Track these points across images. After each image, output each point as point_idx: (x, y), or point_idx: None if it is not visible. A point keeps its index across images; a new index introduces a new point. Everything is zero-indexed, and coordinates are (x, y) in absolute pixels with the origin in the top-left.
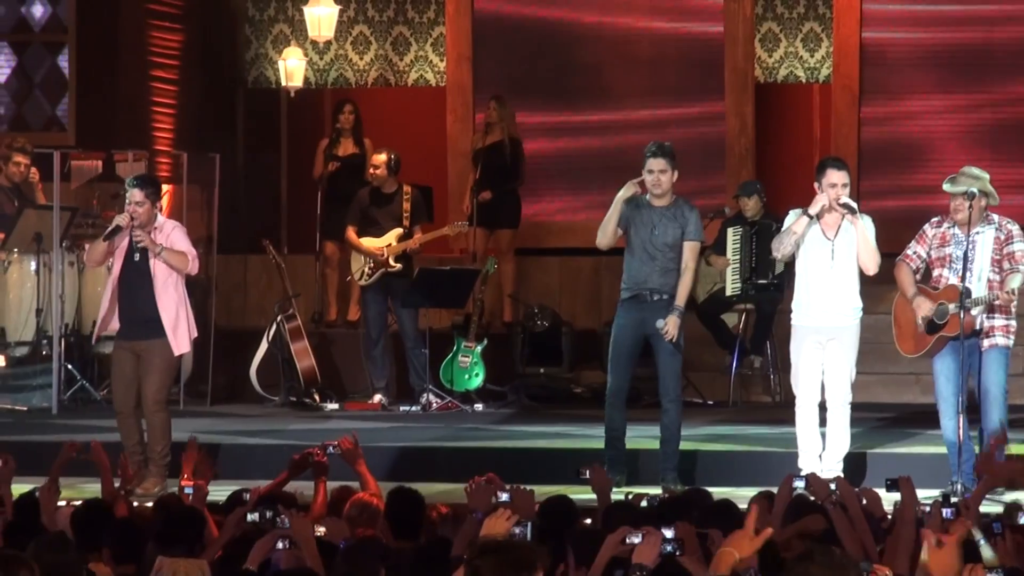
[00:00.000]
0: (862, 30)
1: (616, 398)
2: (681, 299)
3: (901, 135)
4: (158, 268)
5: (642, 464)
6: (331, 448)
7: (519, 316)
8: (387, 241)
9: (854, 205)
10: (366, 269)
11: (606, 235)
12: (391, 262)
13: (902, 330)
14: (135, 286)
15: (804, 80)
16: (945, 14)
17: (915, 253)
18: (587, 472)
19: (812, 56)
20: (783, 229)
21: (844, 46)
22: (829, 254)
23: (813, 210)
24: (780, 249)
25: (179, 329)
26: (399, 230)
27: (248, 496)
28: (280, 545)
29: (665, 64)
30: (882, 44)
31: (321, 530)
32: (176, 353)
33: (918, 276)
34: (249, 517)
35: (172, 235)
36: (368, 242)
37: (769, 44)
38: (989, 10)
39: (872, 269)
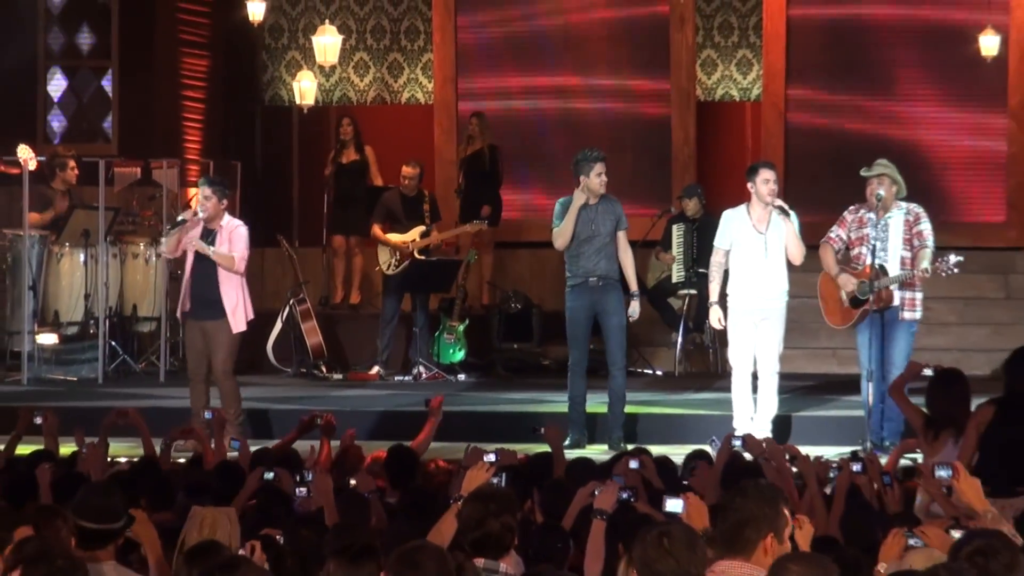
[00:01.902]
0: (787, 56)
1: (577, 368)
2: (634, 284)
3: (821, 145)
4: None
5: (597, 425)
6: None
7: (496, 299)
8: (412, 236)
9: (786, 206)
10: (393, 260)
11: (565, 238)
12: (416, 254)
13: (828, 305)
14: (203, 274)
15: (738, 99)
16: (858, 34)
17: (837, 236)
18: (542, 429)
19: (745, 78)
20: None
21: (771, 70)
22: (762, 245)
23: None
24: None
25: (238, 311)
26: (421, 227)
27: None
28: (300, 492)
29: (620, 85)
30: (804, 68)
31: (353, 482)
32: (235, 331)
33: (839, 256)
34: (266, 476)
35: (233, 233)
36: (395, 237)
37: (708, 68)
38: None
39: (798, 260)
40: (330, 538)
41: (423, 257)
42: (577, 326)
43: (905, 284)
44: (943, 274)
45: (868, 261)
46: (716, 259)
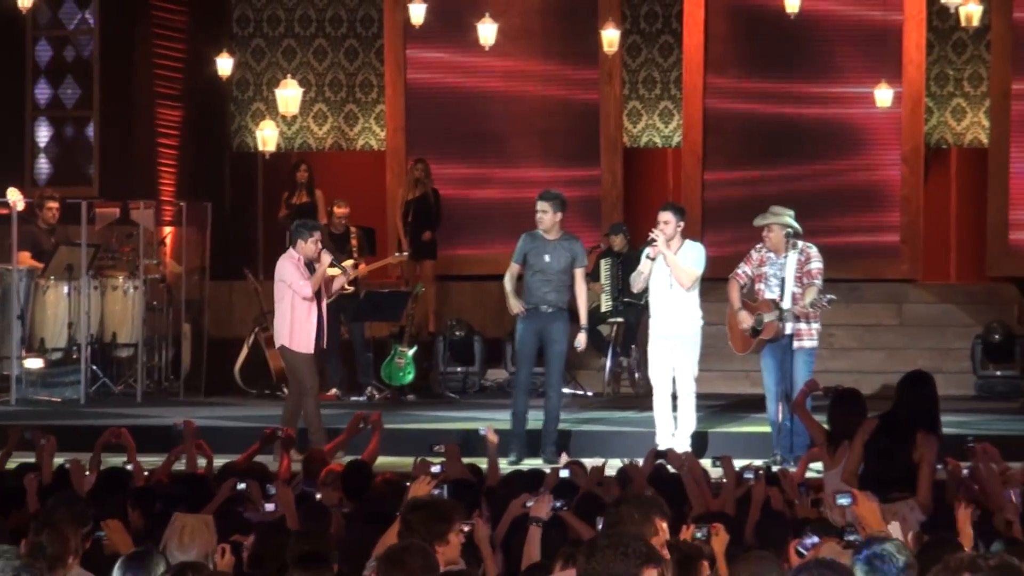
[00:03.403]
0: (704, 108)
1: (522, 385)
2: (584, 318)
3: (735, 188)
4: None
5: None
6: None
7: (441, 327)
8: (341, 269)
9: (655, 238)
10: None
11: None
12: (345, 286)
13: (733, 334)
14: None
15: (660, 146)
16: (768, 92)
17: (743, 272)
18: (441, 447)
19: (667, 127)
20: (637, 269)
21: (690, 120)
22: (667, 278)
23: (651, 254)
24: (635, 286)
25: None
26: (351, 261)
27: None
28: (268, 507)
29: (554, 132)
30: (720, 119)
31: (319, 495)
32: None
33: (745, 290)
34: (238, 487)
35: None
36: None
37: (634, 117)
38: (804, 90)
39: (686, 285)
40: (292, 544)
41: (351, 288)
42: (524, 347)
43: (800, 317)
44: (819, 308)
45: (765, 296)
46: (509, 272)
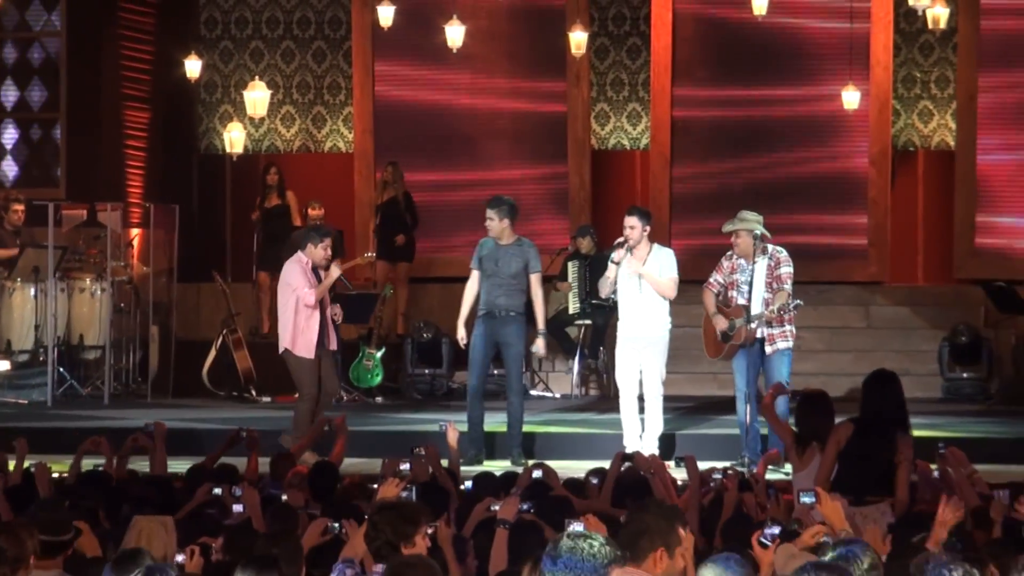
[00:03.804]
0: (672, 110)
1: (476, 392)
2: (541, 322)
3: (701, 190)
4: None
5: (498, 443)
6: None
7: (410, 329)
8: None
9: (621, 242)
10: None
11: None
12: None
13: (708, 339)
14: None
15: (629, 148)
16: (735, 97)
17: (715, 280)
18: (422, 449)
19: (635, 129)
20: (604, 274)
21: (658, 122)
22: (636, 282)
23: (617, 258)
24: (602, 291)
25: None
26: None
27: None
28: (237, 509)
29: (523, 136)
30: (688, 121)
31: (285, 497)
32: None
33: (720, 297)
34: (214, 491)
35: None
36: None
37: (602, 120)
38: (771, 94)
39: (669, 295)
40: (259, 546)
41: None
42: (477, 352)
43: (773, 322)
44: (787, 313)
45: (737, 302)
46: (471, 279)
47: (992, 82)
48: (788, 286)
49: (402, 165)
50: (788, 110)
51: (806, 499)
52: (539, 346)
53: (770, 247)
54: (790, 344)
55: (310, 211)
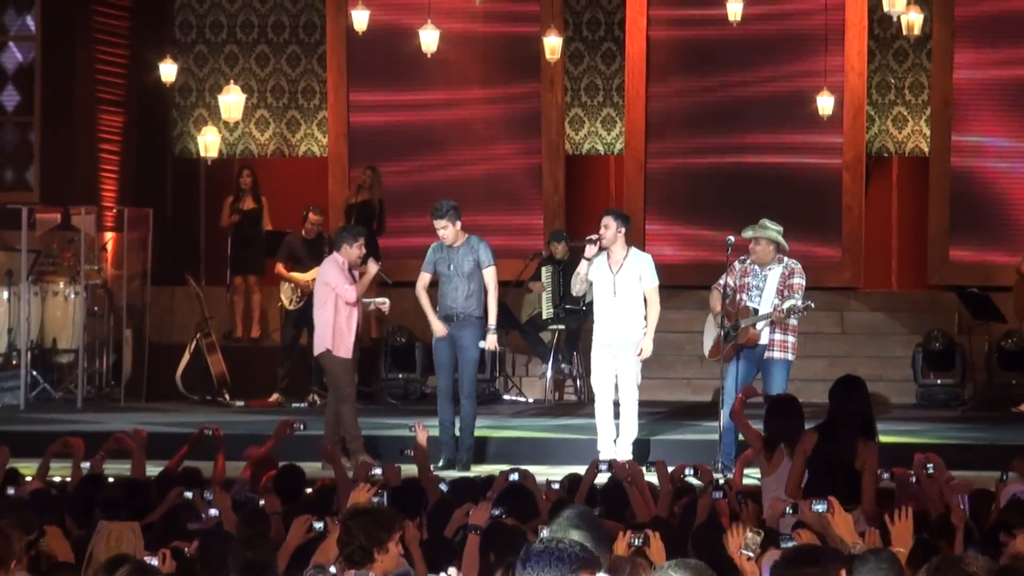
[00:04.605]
0: (647, 115)
1: (444, 394)
2: (493, 319)
3: (677, 194)
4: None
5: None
6: (208, 431)
7: (383, 334)
8: (311, 276)
9: (593, 239)
10: (295, 297)
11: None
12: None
13: (711, 339)
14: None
15: (603, 152)
16: (708, 102)
17: (725, 283)
18: (411, 451)
19: (609, 134)
20: (576, 271)
21: (633, 127)
22: (611, 285)
23: (589, 255)
24: (574, 288)
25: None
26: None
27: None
28: (213, 512)
29: (496, 140)
30: (663, 126)
31: (262, 502)
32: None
33: (727, 300)
34: (185, 494)
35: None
36: (298, 276)
37: (576, 124)
38: (756, 99)
39: (656, 307)
40: (234, 548)
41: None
42: (440, 355)
43: (777, 327)
44: (797, 314)
45: (746, 304)
46: (420, 281)
47: (967, 86)
48: (799, 295)
49: (380, 171)
50: (761, 117)
51: (818, 507)
52: (489, 342)
53: (786, 258)
54: (787, 355)
55: (310, 216)
